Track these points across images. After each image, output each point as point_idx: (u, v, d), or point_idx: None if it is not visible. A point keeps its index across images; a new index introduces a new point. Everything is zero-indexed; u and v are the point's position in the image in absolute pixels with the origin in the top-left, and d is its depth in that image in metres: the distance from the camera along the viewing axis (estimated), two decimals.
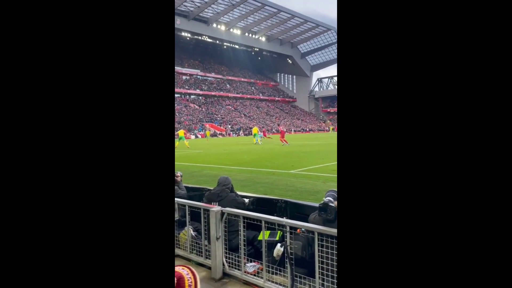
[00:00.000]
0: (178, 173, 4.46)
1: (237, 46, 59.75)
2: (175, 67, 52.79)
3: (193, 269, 1.13)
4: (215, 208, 3.16)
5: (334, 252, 2.32)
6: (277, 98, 67.07)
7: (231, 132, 43.09)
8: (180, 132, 22.46)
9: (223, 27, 53.73)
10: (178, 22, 48.09)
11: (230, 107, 54.08)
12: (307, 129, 55.08)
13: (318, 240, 2.39)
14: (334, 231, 2.32)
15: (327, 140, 25.45)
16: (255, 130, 24.77)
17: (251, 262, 3.07)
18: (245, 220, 2.97)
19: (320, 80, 71.91)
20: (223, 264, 3.09)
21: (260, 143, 22.03)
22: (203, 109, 49.63)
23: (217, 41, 57.83)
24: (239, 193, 4.09)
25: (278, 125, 31.10)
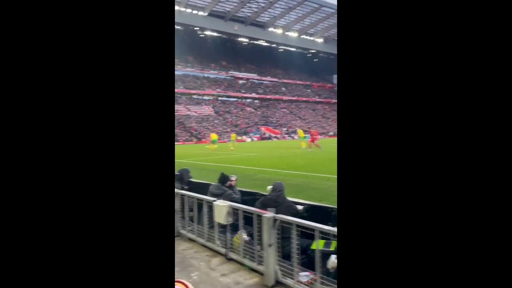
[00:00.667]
0: (233, 177, 4.55)
1: (293, 49, 59.60)
2: (233, 72, 54.40)
3: (188, 284, 1.09)
4: (268, 214, 3.14)
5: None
6: (333, 100, 65.28)
7: (286, 135, 42.97)
8: (213, 135, 23.11)
9: (279, 31, 54.01)
10: (236, 28, 49.52)
11: (286, 110, 54.02)
12: None
13: None
14: None
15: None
16: (300, 133, 24.23)
17: (304, 271, 2.99)
18: (298, 228, 2.90)
19: None
20: (276, 272, 3.05)
21: (310, 149, 20.93)
22: (258, 112, 50.33)
23: (273, 45, 58.28)
24: (293, 199, 4.02)
25: (309, 128, 30.29)
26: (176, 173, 5.47)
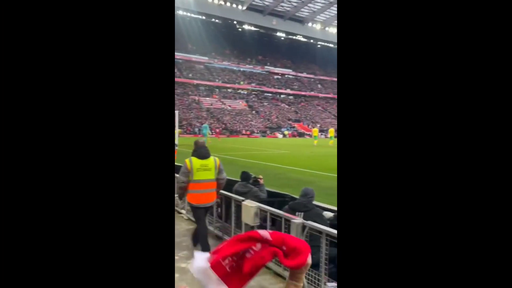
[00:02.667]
0: (260, 176, 4.48)
1: (332, 45, 58.20)
2: (268, 67, 54.21)
3: None
4: (297, 220, 3.04)
5: None
6: None
7: (320, 133, 42.26)
8: (330, 132, 24.21)
9: (318, 26, 52.94)
10: (274, 22, 49.19)
11: (320, 107, 53.08)
12: None
13: None
14: None
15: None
16: (331, 132, 24.58)
17: (331, 282, 2.86)
18: (328, 237, 2.78)
19: None
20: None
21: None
22: (292, 108, 49.88)
23: (311, 40, 57.28)
24: (324, 204, 3.88)
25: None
26: None
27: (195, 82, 44.97)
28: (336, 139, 23.31)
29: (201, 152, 3.65)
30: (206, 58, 49.18)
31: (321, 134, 33.93)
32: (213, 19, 48.40)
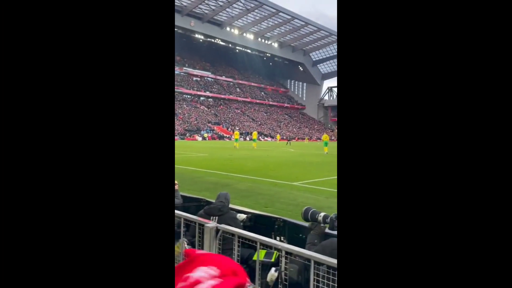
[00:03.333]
0: (175, 182, 4.37)
1: (249, 51, 60.03)
2: (187, 68, 53.18)
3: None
4: (211, 224, 3.06)
5: (330, 283, 2.19)
6: (286, 105, 66.99)
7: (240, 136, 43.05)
8: (254, 134, 25.38)
9: (236, 31, 54.05)
10: (192, 24, 48.51)
11: (239, 111, 54.16)
12: (314, 137, 54.86)
13: (314, 269, 2.27)
14: (333, 261, 2.20)
15: (334, 150, 25.24)
16: (254, 135, 26.38)
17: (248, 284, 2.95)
18: (240, 239, 2.86)
19: (330, 89, 71.61)
20: None
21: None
22: (211, 111, 49.79)
23: (230, 45, 58.17)
24: (238, 207, 3.98)
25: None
26: None
27: None
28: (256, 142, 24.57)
29: None
30: None
31: (241, 137, 34.72)
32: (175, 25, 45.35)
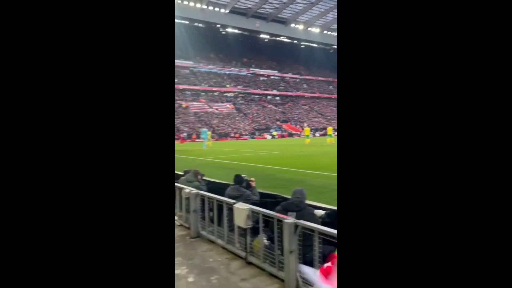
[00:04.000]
0: (252, 178, 4.49)
1: (315, 45, 58.77)
2: (254, 69, 54.28)
3: None
4: (289, 220, 3.05)
5: None
6: None
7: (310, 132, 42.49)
8: (329, 130, 25.34)
9: (301, 27, 53.40)
10: (257, 24, 49.34)
11: (307, 107, 53.44)
12: None
13: None
14: None
15: None
16: (329, 130, 25.59)
17: None
18: (321, 236, 2.80)
19: None
20: (297, 280, 2.97)
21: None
22: (279, 109, 50.07)
23: (295, 41, 57.75)
24: (315, 203, 3.91)
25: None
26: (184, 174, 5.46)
27: (181, 87, 44.70)
28: (335, 137, 23.90)
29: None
30: (191, 62, 48.96)
31: (311, 133, 34.31)
32: (196, 24, 48.25)
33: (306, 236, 3.01)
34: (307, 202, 3.67)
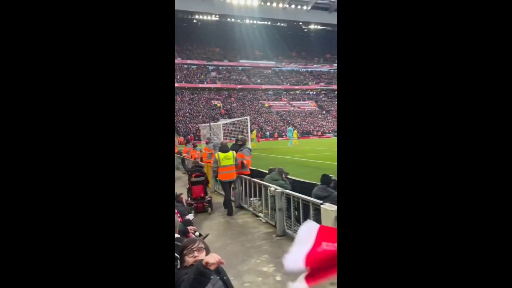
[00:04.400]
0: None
1: None
2: (336, 65, 52.40)
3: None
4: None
5: None
6: None
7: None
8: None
9: None
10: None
11: None
12: None
13: None
14: None
15: None
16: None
17: None
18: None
19: None
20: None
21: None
22: None
23: None
24: None
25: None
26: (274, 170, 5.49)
27: (264, 87, 45.81)
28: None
29: (223, 149, 6.01)
30: (273, 62, 49.78)
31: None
32: (279, 23, 48.85)
33: None
34: None
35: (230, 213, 5.64)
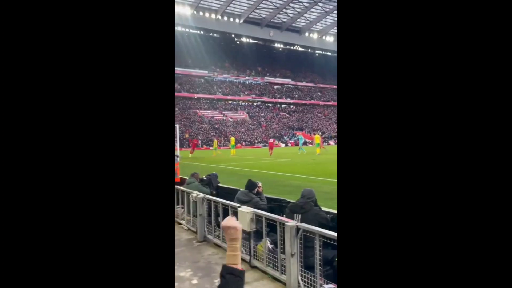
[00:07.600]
0: (259, 183, 4.52)
1: (329, 53, 58.68)
2: (268, 78, 54.57)
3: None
4: (291, 223, 3.07)
5: None
6: None
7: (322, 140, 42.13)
8: (316, 139, 22.40)
9: (315, 35, 53.53)
10: (271, 34, 49.77)
11: (321, 115, 53.15)
12: None
13: None
14: None
15: None
16: (317, 139, 22.84)
17: (328, 283, 2.87)
18: (322, 239, 2.80)
19: None
20: (298, 282, 2.97)
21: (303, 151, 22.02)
22: (293, 117, 49.99)
23: (309, 50, 57.87)
24: (324, 208, 3.90)
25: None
26: (204, 178, 5.55)
27: (196, 96, 45.34)
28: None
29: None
30: (206, 71, 49.68)
31: (325, 141, 33.54)
32: (212, 34, 49.10)
33: (308, 239, 3.01)
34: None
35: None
